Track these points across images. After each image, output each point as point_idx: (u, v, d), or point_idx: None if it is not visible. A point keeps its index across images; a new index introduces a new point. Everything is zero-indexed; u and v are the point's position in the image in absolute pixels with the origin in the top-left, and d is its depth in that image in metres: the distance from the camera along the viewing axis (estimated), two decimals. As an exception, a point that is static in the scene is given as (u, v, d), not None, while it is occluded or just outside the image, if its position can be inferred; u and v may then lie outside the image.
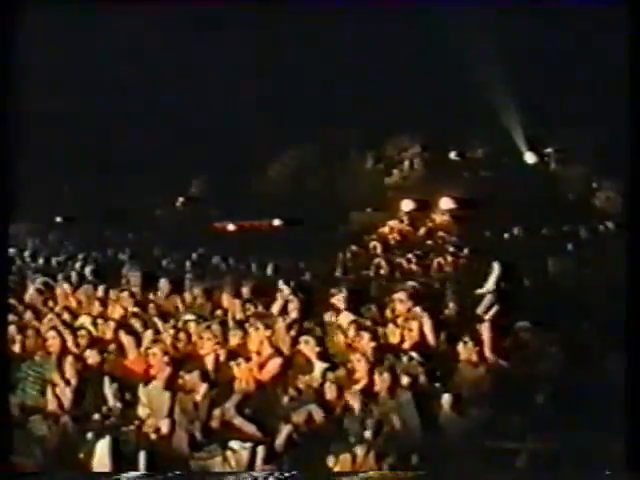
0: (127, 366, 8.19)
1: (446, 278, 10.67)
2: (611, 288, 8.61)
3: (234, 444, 6.93)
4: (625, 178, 7.61)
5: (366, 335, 8.00)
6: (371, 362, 7.61)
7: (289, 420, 7.19)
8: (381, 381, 7.40)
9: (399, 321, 8.34)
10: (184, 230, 17.74)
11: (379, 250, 14.54)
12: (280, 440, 7.04)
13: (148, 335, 8.45)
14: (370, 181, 19.22)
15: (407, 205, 17.61)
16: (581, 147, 17.22)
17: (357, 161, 19.87)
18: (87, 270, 11.58)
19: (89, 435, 7.15)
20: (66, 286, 9.88)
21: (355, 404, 7.26)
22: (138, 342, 8.37)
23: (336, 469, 6.71)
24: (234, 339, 8.27)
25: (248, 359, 7.92)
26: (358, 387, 7.48)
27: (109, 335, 8.60)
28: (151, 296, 9.60)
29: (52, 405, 7.63)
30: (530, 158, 18.03)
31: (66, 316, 8.98)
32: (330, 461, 6.74)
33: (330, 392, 7.47)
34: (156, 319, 8.80)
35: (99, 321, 8.85)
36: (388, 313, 8.68)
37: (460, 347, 7.83)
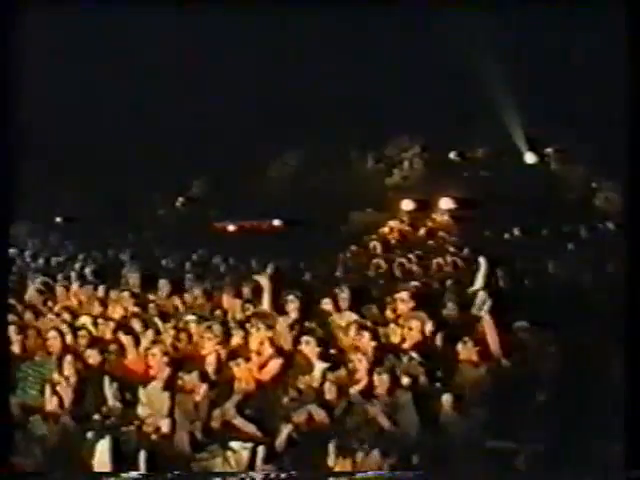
0: (127, 366, 8.20)
1: (446, 278, 10.66)
2: (611, 288, 8.61)
3: (234, 444, 6.93)
4: (625, 178, 7.61)
5: (367, 335, 8.01)
6: (372, 362, 7.62)
7: (289, 420, 7.19)
8: (381, 381, 7.41)
9: (400, 321, 8.36)
10: (184, 230, 17.75)
11: (379, 250, 14.53)
12: (280, 440, 7.04)
13: (148, 335, 8.46)
14: (370, 181, 19.23)
15: (407, 205, 17.62)
16: (581, 147, 17.23)
17: (357, 161, 19.88)
18: (87, 270, 11.58)
19: (89, 435, 7.15)
20: (66, 286, 9.89)
21: (355, 404, 7.28)
22: (138, 342, 8.39)
23: (336, 469, 6.71)
24: (234, 339, 8.28)
25: (248, 359, 7.93)
26: (358, 387, 7.50)
27: (109, 335, 8.61)
28: (151, 296, 9.61)
29: (52, 405, 7.64)
30: (530, 158, 18.05)
31: (66, 316, 8.99)
32: (330, 461, 6.75)
33: (330, 392, 7.48)
34: (156, 319, 8.81)
35: (99, 321, 8.86)
36: (389, 313, 8.69)
37: (460, 347, 7.84)
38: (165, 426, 7.25)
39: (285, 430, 7.07)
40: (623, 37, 7.55)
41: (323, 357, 7.85)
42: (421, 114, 17.02)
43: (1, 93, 7.88)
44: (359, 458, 6.66)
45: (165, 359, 7.92)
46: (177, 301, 9.49)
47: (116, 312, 9.20)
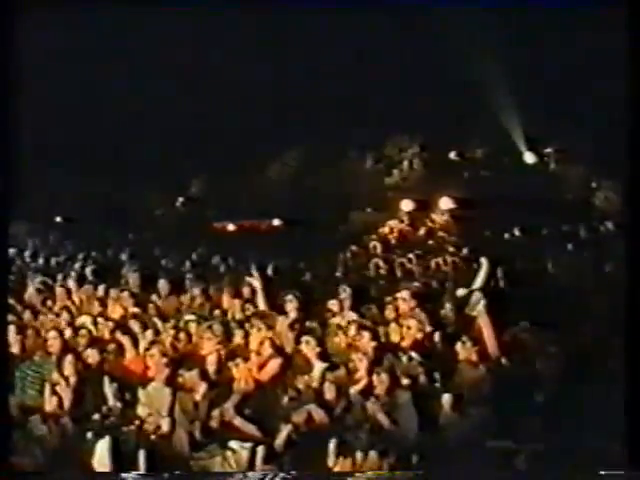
0: (127, 366, 8.20)
1: (446, 278, 10.66)
2: (611, 288, 8.61)
3: (234, 444, 6.93)
4: (624, 178, 7.61)
5: (367, 334, 8.01)
6: (372, 362, 7.62)
7: (289, 420, 7.19)
8: (380, 381, 7.40)
9: (401, 320, 8.36)
10: (183, 230, 17.72)
11: (379, 250, 14.54)
12: (280, 440, 7.04)
13: (148, 335, 8.45)
14: (370, 181, 19.20)
15: (407, 205, 17.59)
16: (581, 147, 17.21)
17: (357, 161, 19.86)
18: (87, 270, 11.57)
19: (89, 435, 7.15)
20: (66, 286, 9.88)
21: (355, 404, 7.28)
22: (138, 342, 8.38)
23: (336, 469, 6.71)
24: (234, 339, 8.28)
25: (247, 359, 7.93)
26: (358, 387, 7.49)
27: (109, 335, 8.61)
28: (151, 296, 9.60)
29: (51, 405, 7.63)
30: (530, 158, 18.02)
31: (66, 316, 8.98)
32: (330, 461, 6.75)
33: (330, 392, 7.47)
34: (156, 319, 8.80)
35: (99, 321, 8.85)
36: (389, 313, 8.69)
37: (459, 347, 7.84)
38: (165, 426, 7.24)
39: (285, 430, 7.07)
40: (623, 37, 7.55)
41: (322, 357, 7.86)
42: (420, 114, 16.99)
43: (1, 93, 7.87)
44: (359, 458, 6.66)
45: (164, 359, 7.92)
46: (176, 301, 9.49)
47: (116, 312, 9.20)
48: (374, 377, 7.52)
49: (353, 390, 7.48)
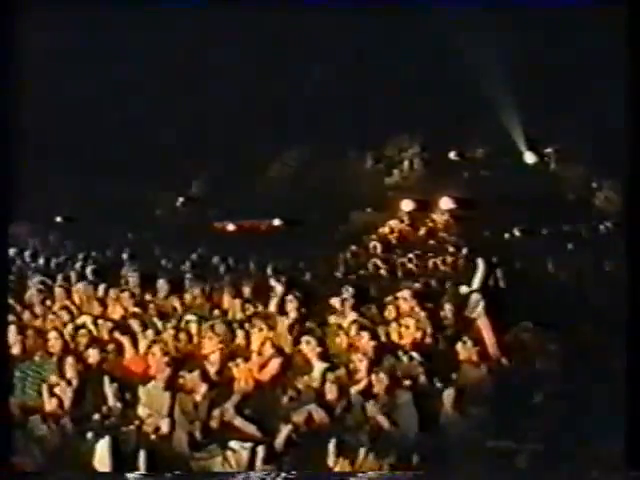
0: (127, 366, 8.20)
1: (446, 278, 10.66)
2: (611, 288, 8.61)
3: (234, 444, 6.93)
4: (624, 178, 7.61)
5: (367, 335, 8.01)
6: (372, 362, 7.62)
7: (289, 420, 7.19)
8: (380, 381, 7.40)
9: (401, 320, 8.37)
10: (184, 230, 17.73)
11: (379, 250, 14.55)
12: (280, 440, 7.04)
13: (148, 335, 8.45)
14: (370, 181, 19.20)
15: (407, 205, 17.60)
16: (581, 147, 17.21)
17: (357, 161, 19.86)
18: (87, 270, 11.56)
19: (89, 435, 7.15)
20: (66, 286, 9.87)
21: (356, 404, 7.28)
22: (138, 342, 8.38)
23: (336, 469, 6.71)
24: (235, 339, 8.28)
25: (247, 359, 7.93)
26: (359, 387, 7.49)
27: (109, 335, 8.61)
28: (151, 296, 9.60)
29: (52, 405, 7.63)
30: (530, 158, 18.01)
31: (66, 316, 8.98)
32: (330, 461, 6.75)
33: (330, 392, 7.47)
34: (156, 319, 8.80)
35: (99, 321, 8.85)
36: (389, 312, 8.70)
37: (459, 347, 7.84)
38: (165, 426, 7.24)
39: (285, 430, 7.07)
40: (623, 37, 7.55)
41: (323, 357, 7.86)
42: (421, 114, 16.99)
43: (1, 93, 7.87)
44: (359, 458, 6.66)
45: (165, 359, 7.92)
46: (176, 301, 9.49)
47: (116, 312, 9.20)
48: (374, 377, 7.52)
49: (353, 390, 7.47)
